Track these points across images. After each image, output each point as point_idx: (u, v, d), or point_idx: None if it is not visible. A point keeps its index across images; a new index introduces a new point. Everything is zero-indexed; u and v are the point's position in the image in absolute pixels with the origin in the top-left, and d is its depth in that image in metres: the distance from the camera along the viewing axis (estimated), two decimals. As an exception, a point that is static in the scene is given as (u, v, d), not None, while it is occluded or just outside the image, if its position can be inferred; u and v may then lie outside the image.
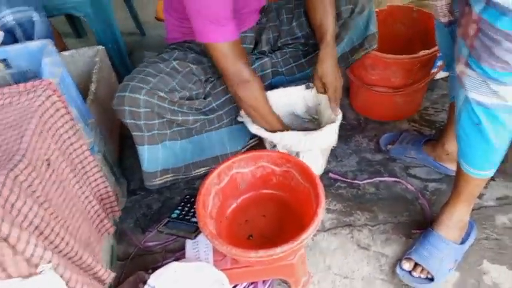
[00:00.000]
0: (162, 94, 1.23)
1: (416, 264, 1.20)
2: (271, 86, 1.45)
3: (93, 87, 1.52)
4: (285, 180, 1.21)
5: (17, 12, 1.51)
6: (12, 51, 1.19)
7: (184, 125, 1.34)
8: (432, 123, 1.68)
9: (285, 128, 1.32)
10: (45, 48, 1.17)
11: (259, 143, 1.53)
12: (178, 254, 1.33)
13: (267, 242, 1.15)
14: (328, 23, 1.28)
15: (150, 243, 1.38)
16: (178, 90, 1.28)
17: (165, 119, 1.27)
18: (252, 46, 1.47)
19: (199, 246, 1.19)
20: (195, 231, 1.20)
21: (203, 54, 1.39)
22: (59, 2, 1.80)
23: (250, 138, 1.51)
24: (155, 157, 1.31)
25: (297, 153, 1.37)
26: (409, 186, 1.45)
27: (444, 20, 1.07)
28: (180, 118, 1.30)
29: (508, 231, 1.29)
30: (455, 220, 1.21)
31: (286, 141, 1.35)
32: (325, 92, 1.32)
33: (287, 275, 1.16)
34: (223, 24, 1.15)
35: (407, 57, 1.45)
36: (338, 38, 1.38)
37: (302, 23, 1.44)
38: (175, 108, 1.28)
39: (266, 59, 1.45)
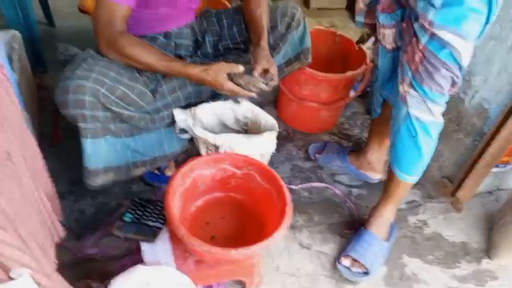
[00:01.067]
0: (109, 83, 1.16)
1: (354, 260, 1.35)
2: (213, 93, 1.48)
3: (14, 76, 1.35)
4: (244, 182, 1.25)
5: None
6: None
7: (128, 121, 1.27)
8: (348, 137, 1.90)
9: (186, 64, 1.27)
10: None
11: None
12: (124, 260, 1.25)
13: (230, 242, 1.17)
14: (263, 30, 1.36)
15: (90, 251, 1.27)
16: (124, 84, 1.22)
17: (109, 112, 1.20)
18: (190, 43, 1.48)
19: (157, 250, 1.14)
20: (154, 235, 1.15)
21: None
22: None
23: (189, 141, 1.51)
24: (98, 152, 1.23)
25: None
26: (337, 191, 1.62)
27: (389, 46, 1.25)
28: (125, 112, 1.23)
29: (418, 229, 1.53)
30: (385, 220, 1.39)
31: (229, 142, 1.40)
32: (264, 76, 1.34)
33: (246, 274, 1.20)
34: None
35: (337, 76, 1.64)
36: (275, 49, 1.46)
37: (242, 29, 1.49)
38: (121, 102, 1.22)
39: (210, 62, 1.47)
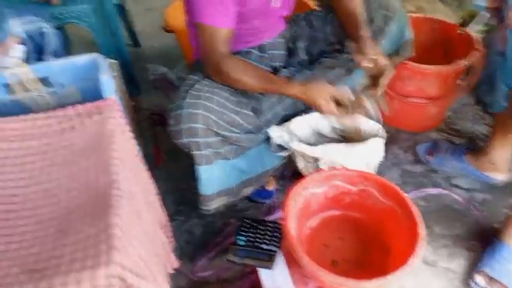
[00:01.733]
0: (218, 109, 1.15)
1: (490, 279, 1.19)
2: None
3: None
4: (360, 199, 1.15)
5: (27, 23, 1.35)
6: (56, 67, 1.03)
7: (236, 143, 1.25)
8: (459, 132, 1.71)
9: (290, 81, 1.23)
10: (96, 63, 1.03)
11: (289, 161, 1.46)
12: (241, 283, 1.22)
13: (352, 267, 1.09)
14: (360, 21, 1.26)
15: (204, 273, 1.26)
16: (230, 109, 1.20)
17: (220, 137, 1.19)
18: (283, 52, 1.42)
19: (276, 276, 1.09)
20: (271, 259, 1.10)
21: None
22: (60, 11, 1.64)
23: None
24: (211, 178, 1.23)
25: None
26: (457, 197, 1.45)
27: None
28: (233, 135, 1.22)
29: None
30: (525, 230, 1.22)
31: (330, 154, 1.30)
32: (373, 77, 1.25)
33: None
34: (228, 10, 1.15)
35: (446, 68, 1.47)
36: None
37: (335, 28, 1.39)
38: (229, 126, 1.20)
39: (305, 71, 1.39)
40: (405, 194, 1.06)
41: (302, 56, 1.43)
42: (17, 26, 1.32)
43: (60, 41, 1.44)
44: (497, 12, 1.14)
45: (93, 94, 1.04)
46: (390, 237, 1.09)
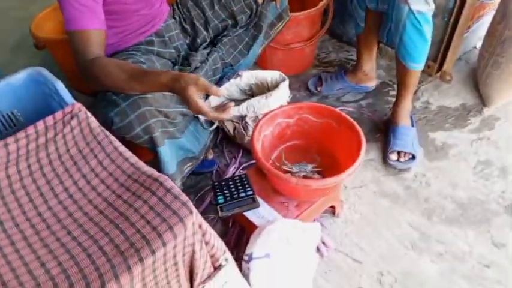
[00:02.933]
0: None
1: (399, 153, 1.56)
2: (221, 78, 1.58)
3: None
4: (299, 127, 1.38)
5: None
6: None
7: (177, 120, 1.31)
8: (330, 63, 2.08)
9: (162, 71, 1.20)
10: (38, 77, 1.00)
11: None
12: (225, 239, 1.35)
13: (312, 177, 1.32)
14: None
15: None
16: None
17: (163, 116, 1.23)
18: (179, 31, 1.52)
19: (261, 213, 1.26)
20: (254, 201, 1.26)
21: (155, 53, 1.42)
22: None
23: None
24: (170, 155, 1.27)
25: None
26: (350, 109, 1.81)
27: None
28: (173, 111, 1.26)
29: (426, 109, 1.79)
30: (407, 109, 1.62)
31: (253, 107, 1.52)
32: None
33: (336, 199, 1.36)
34: (93, 11, 1.16)
35: (314, 10, 1.78)
36: (256, 27, 1.57)
37: (224, 4, 1.54)
38: (166, 105, 1.25)
39: (215, 54, 1.53)
40: (336, 109, 1.33)
41: (203, 35, 1.55)
42: None
43: None
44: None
45: (34, 113, 1.03)
46: (335, 147, 1.35)
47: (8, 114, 1.07)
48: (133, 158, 0.82)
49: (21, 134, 0.90)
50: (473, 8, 1.69)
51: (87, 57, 1.14)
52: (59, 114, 0.93)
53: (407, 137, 1.58)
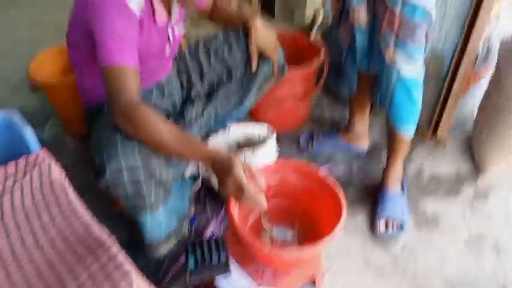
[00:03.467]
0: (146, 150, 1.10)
1: (387, 221, 1.49)
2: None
3: None
4: (281, 187, 1.33)
5: None
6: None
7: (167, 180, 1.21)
8: (324, 121, 2.06)
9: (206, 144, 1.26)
10: (9, 122, 0.98)
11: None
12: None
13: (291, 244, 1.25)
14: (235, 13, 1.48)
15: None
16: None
17: (154, 179, 1.12)
18: (179, 86, 1.52)
19: (234, 279, 1.19)
20: (226, 264, 1.19)
21: None
22: None
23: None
24: (157, 223, 1.20)
25: None
26: (340, 170, 1.76)
27: (364, 25, 1.41)
28: (165, 172, 1.16)
29: (417, 175, 1.73)
30: (398, 176, 1.57)
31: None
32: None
33: (316, 268, 1.29)
34: (131, 47, 1.12)
35: (308, 68, 1.78)
36: (250, 81, 1.54)
37: (221, 58, 1.52)
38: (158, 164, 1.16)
39: (210, 108, 1.50)
40: (319, 170, 1.28)
41: (198, 88, 1.53)
42: None
43: None
44: (339, 16, 1.47)
45: (2, 158, 1.00)
46: (316, 210, 1.29)
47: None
48: (86, 216, 0.78)
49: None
50: (468, 74, 1.68)
51: (127, 96, 1.06)
52: (21, 162, 0.90)
53: (396, 204, 1.52)
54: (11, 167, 0.89)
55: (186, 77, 1.53)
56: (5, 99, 2.23)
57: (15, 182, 0.88)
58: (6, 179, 0.88)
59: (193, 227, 1.52)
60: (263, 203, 1.04)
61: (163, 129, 1.05)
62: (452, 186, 1.68)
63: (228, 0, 1.51)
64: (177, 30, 1.36)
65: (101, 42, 1.07)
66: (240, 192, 1.02)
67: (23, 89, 2.26)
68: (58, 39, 2.60)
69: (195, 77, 1.53)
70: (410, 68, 1.33)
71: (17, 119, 0.98)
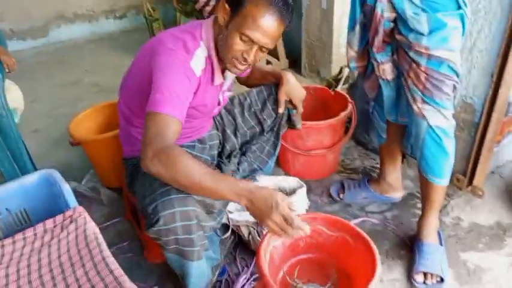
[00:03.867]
0: (198, 198, 1.14)
1: (425, 274, 1.43)
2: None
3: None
4: (312, 239, 1.31)
5: None
6: (4, 192, 1.01)
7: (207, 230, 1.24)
8: (355, 170, 2.04)
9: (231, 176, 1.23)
10: (47, 179, 1.04)
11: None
12: None
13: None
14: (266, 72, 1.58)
15: None
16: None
17: (201, 233, 1.16)
18: (218, 141, 1.57)
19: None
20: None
21: None
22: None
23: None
24: (200, 273, 1.23)
25: None
26: (374, 220, 1.72)
27: (390, 78, 1.43)
28: (211, 224, 1.21)
29: (456, 226, 1.66)
30: (434, 227, 1.51)
31: None
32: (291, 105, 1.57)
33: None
34: (182, 104, 1.16)
35: (335, 120, 1.80)
36: (276, 135, 1.62)
37: (254, 112, 1.59)
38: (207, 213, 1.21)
39: (245, 163, 1.56)
40: (351, 223, 1.26)
41: (232, 141, 1.59)
42: None
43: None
44: (364, 70, 1.50)
45: (44, 211, 1.05)
46: (349, 264, 1.26)
47: (20, 212, 1.10)
48: (118, 271, 0.79)
49: (19, 236, 0.91)
50: (502, 122, 1.64)
51: (164, 141, 1.07)
52: (59, 218, 0.94)
53: (434, 256, 1.45)
54: (49, 223, 0.93)
55: (222, 132, 1.60)
56: (47, 153, 2.36)
57: (52, 237, 0.91)
58: (45, 233, 0.91)
59: (224, 280, 1.50)
60: (307, 227, 1.03)
61: (195, 166, 1.04)
62: (494, 237, 1.60)
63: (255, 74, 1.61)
64: (226, 95, 1.49)
65: (158, 89, 1.12)
66: (285, 224, 1.01)
67: (63, 144, 2.38)
68: (97, 98, 2.79)
69: (229, 131, 1.59)
70: (439, 119, 1.32)
71: (56, 176, 1.04)
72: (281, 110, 1.56)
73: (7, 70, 1.73)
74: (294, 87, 1.54)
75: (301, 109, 1.58)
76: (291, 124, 1.63)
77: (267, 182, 1.62)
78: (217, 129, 1.60)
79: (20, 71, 1.83)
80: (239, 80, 1.64)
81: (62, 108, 2.90)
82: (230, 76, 1.41)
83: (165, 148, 1.06)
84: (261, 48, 1.21)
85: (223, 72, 1.35)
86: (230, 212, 1.54)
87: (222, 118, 1.60)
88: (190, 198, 1.09)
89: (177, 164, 1.03)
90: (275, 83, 1.57)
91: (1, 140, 1.68)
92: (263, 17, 1.14)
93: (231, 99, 1.61)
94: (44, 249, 0.88)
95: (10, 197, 1.02)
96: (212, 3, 2.87)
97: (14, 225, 1.07)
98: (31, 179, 1.04)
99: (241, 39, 1.17)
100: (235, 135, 1.61)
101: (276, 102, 1.56)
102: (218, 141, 1.57)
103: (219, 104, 1.46)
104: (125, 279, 0.77)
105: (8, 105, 1.70)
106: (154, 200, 1.09)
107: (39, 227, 0.92)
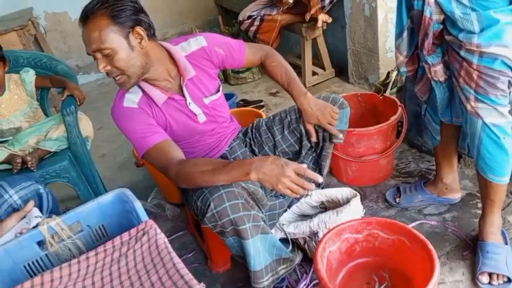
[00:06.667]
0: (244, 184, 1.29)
1: (490, 275, 1.39)
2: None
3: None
4: (368, 243, 1.33)
5: (20, 190, 1.44)
6: (84, 211, 1.15)
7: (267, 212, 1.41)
8: (410, 173, 2.02)
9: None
10: (120, 197, 1.16)
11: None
12: None
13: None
14: (292, 79, 1.55)
15: None
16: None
17: (255, 211, 1.29)
18: (245, 149, 1.62)
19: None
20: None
21: None
22: (41, 173, 1.75)
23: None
24: (258, 251, 1.30)
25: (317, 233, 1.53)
26: (433, 223, 1.70)
27: (442, 79, 1.43)
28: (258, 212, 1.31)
29: (522, 224, 1.61)
30: (496, 226, 1.47)
31: (324, 224, 1.52)
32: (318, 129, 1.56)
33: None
34: (153, 131, 1.35)
35: (385, 124, 1.81)
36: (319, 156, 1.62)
37: (293, 130, 1.60)
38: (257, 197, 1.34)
39: None
40: (406, 225, 1.27)
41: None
42: (13, 195, 1.41)
43: (54, 199, 1.54)
44: (415, 73, 1.52)
45: (118, 226, 1.17)
46: (407, 266, 1.26)
47: (99, 227, 1.23)
48: (188, 276, 0.88)
49: (101, 249, 1.03)
50: None
51: (172, 163, 1.28)
52: (133, 231, 1.05)
53: (498, 256, 1.42)
54: (125, 236, 1.04)
55: (259, 147, 1.64)
56: (115, 175, 2.56)
57: (128, 248, 1.02)
58: (122, 245, 1.03)
59: (284, 286, 1.55)
60: (319, 176, 1.17)
61: (206, 169, 1.22)
62: None
63: (280, 69, 1.58)
64: (209, 100, 1.48)
65: (131, 142, 1.38)
66: (298, 178, 1.13)
67: (129, 166, 2.57)
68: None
69: (267, 148, 1.63)
70: (495, 117, 1.30)
71: (129, 194, 1.15)
72: (314, 139, 1.56)
73: (79, 103, 1.92)
74: (314, 112, 1.49)
75: (331, 127, 1.52)
76: (331, 140, 1.61)
77: (319, 194, 1.66)
78: (255, 144, 1.64)
79: (86, 102, 2.03)
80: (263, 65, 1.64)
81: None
82: (187, 90, 1.43)
83: (178, 169, 1.27)
84: (102, 53, 1.26)
85: (178, 88, 1.43)
86: (283, 224, 1.59)
87: (260, 135, 1.64)
88: (233, 185, 1.25)
89: (194, 177, 1.24)
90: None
91: (76, 165, 1.88)
92: (82, 33, 1.27)
93: (273, 116, 1.66)
94: (122, 259, 0.99)
95: (90, 215, 1.15)
96: (257, 23, 2.99)
97: (94, 239, 1.20)
98: (107, 197, 1.17)
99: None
100: (273, 152, 1.63)
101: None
102: (246, 151, 1.62)
103: (194, 114, 1.46)
104: (194, 282, 0.85)
105: (80, 134, 1.90)
106: (202, 193, 1.27)
107: (117, 240, 1.03)
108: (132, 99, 1.38)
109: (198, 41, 1.47)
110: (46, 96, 2.15)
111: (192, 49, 1.45)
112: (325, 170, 1.67)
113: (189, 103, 1.44)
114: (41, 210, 1.40)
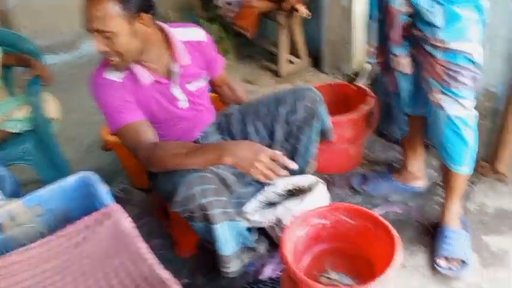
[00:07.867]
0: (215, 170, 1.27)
1: (447, 258, 1.45)
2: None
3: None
4: (335, 229, 1.36)
5: None
6: (46, 194, 1.11)
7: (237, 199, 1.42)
8: (378, 162, 2.07)
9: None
10: (85, 181, 1.14)
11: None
12: None
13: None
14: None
15: None
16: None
17: (225, 196, 1.28)
18: (218, 137, 1.59)
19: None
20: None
21: None
22: (3, 155, 1.69)
23: None
24: (227, 236, 1.30)
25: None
26: (398, 210, 1.75)
27: (407, 71, 1.45)
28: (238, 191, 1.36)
29: (481, 211, 1.68)
30: (456, 213, 1.54)
31: (289, 210, 1.52)
32: None
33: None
34: (129, 108, 1.32)
35: (356, 114, 1.83)
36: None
37: (266, 124, 1.55)
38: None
39: None
40: (371, 211, 1.30)
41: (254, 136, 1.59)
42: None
43: (16, 182, 1.49)
44: (383, 64, 1.54)
45: (83, 210, 1.15)
46: (371, 252, 1.30)
47: (61, 211, 1.20)
48: (152, 260, 0.87)
49: (62, 232, 1.01)
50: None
51: (144, 144, 1.29)
52: (97, 214, 1.03)
53: (456, 241, 1.48)
54: (88, 219, 1.02)
55: (230, 136, 1.60)
56: (81, 159, 2.48)
57: (91, 232, 1.00)
58: (84, 229, 1.01)
59: (251, 271, 1.57)
60: (294, 163, 1.22)
61: (180, 152, 1.25)
62: (519, 221, 1.60)
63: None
64: (192, 86, 1.46)
65: (104, 115, 1.35)
66: (273, 163, 1.18)
67: (96, 150, 2.50)
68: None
69: (238, 139, 1.58)
70: (457, 109, 1.34)
71: (93, 177, 1.13)
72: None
73: (45, 84, 1.86)
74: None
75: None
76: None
77: (285, 183, 1.66)
78: (226, 133, 1.61)
79: (54, 83, 1.96)
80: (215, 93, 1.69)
81: (93, 118, 3.03)
82: (177, 70, 1.40)
83: (150, 151, 1.29)
84: (102, 35, 1.21)
85: (164, 69, 1.39)
86: (249, 213, 1.58)
87: (232, 125, 1.60)
88: (204, 169, 1.24)
89: (166, 159, 1.26)
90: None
91: (40, 148, 1.82)
92: (86, 6, 1.20)
93: (247, 105, 1.63)
94: (83, 243, 0.98)
95: (52, 198, 1.12)
96: (235, 9, 2.95)
97: (57, 224, 1.17)
98: (70, 181, 1.13)
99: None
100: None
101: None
102: (218, 137, 1.60)
103: (175, 98, 1.43)
104: (159, 267, 0.85)
105: (45, 115, 1.84)
106: (171, 177, 1.26)
107: (79, 224, 1.01)
108: (117, 73, 1.33)
109: (199, 34, 1.48)
110: (11, 74, 2.06)
111: (190, 38, 1.44)
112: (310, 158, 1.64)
113: (174, 88, 1.42)
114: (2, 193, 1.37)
